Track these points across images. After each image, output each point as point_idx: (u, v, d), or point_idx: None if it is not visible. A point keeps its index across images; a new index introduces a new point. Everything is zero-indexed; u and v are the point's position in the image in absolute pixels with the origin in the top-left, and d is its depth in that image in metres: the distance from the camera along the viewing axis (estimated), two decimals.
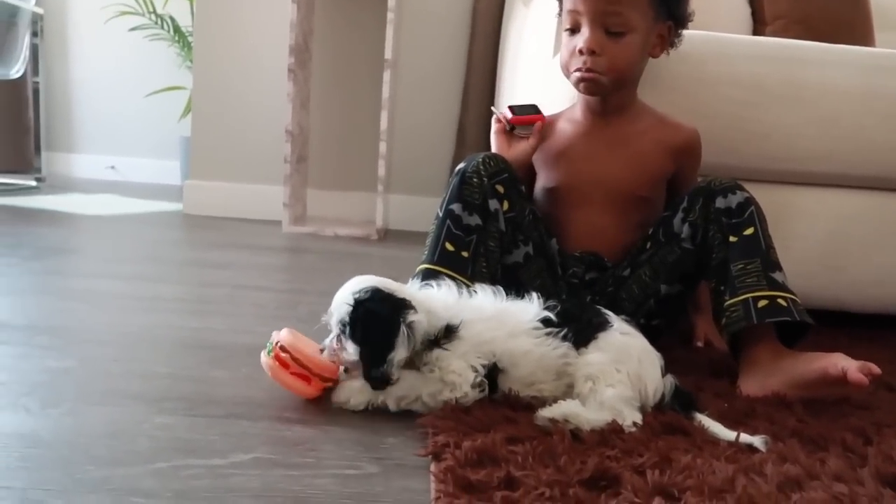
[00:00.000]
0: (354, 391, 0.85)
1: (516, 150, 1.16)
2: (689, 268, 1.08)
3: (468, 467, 0.67)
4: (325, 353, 0.86)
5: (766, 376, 0.96)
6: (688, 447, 0.76)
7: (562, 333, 0.86)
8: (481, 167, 1.07)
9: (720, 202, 1.04)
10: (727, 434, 0.80)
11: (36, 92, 3.42)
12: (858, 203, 1.37)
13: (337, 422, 0.82)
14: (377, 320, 0.83)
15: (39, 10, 3.22)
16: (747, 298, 0.99)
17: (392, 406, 0.84)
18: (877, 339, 1.34)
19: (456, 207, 1.06)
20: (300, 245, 2.09)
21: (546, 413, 0.79)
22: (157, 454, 0.70)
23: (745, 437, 0.79)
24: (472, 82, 2.47)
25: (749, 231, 1.02)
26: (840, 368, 0.89)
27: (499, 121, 1.18)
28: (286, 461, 0.71)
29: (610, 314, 0.90)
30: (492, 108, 1.19)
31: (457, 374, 0.83)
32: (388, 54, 2.25)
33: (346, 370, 0.87)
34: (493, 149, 1.18)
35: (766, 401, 0.92)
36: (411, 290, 0.89)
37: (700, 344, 1.22)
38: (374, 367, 0.82)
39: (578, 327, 0.87)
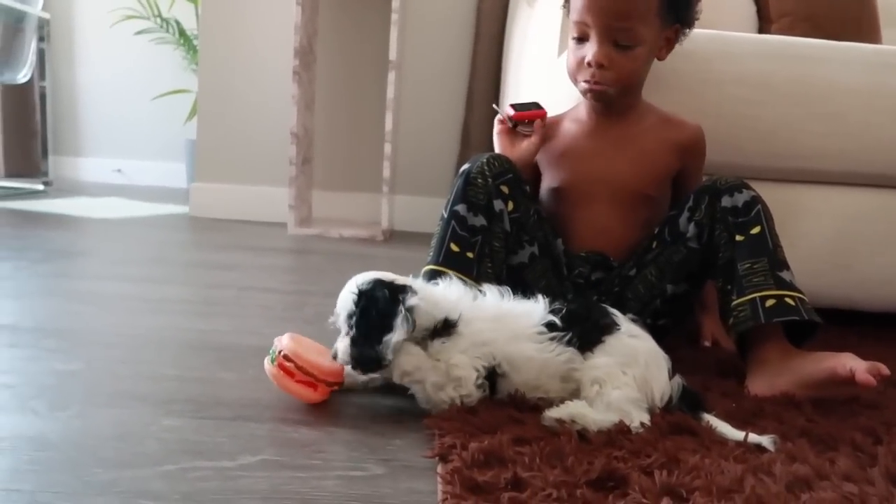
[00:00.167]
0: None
1: (520, 150, 1.16)
2: (696, 267, 1.08)
3: (475, 468, 0.67)
4: (340, 356, 0.86)
5: (774, 376, 0.96)
6: (696, 447, 0.75)
7: (567, 338, 0.85)
8: (486, 168, 1.07)
9: (726, 201, 1.04)
10: (735, 434, 0.79)
11: (43, 96, 3.43)
12: (866, 201, 1.36)
13: (343, 423, 0.82)
14: (376, 303, 0.83)
15: (46, 15, 3.23)
16: (755, 298, 0.98)
17: (396, 377, 0.84)
18: (885, 338, 1.33)
19: (461, 208, 1.06)
20: (306, 246, 2.09)
21: (553, 414, 0.79)
22: (166, 456, 0.70)
23: (753, 437, 0.78)
24: (477, 83, 2.47)
25: (756, 230, 1.02)
26: (848, 369, 0.88)
27: (502, 121, 1.18)
28: (293, 463, 0.71)
29: (617, 314, 0.89)
30: (493, 106, 1.19)
31: (462, 369, 0.83)
32: (392, 56, 2.25)
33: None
34: (497, 149, 1.18)
35: (775, 400, 0.92)
36: (414, 281, 0.88)
37: (707, 344, 1.22)
38: (370, 347, 0.82)
39: (584, 330, 0.86)
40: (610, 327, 0.87)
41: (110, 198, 3.03)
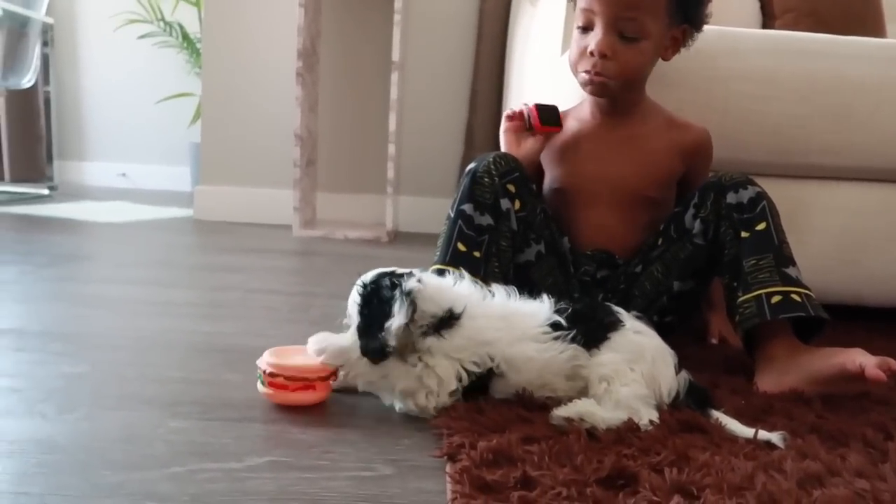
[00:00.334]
0: (335, 348, 0.84)
1: (525, 149, 1.15)
2: (702, 264, 1.07)
3: (484, 468, 0.67)
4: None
5: (782, 373, 0.95)
6: (705, 445, 0.75)
7: (571, 336, 0.85)
8: (492, 167, 1.07)
9: (731, 197, 1.03)
10: (745, 431, 0.79)
11: (47, 101, 3.45)
12: (873, 196, 1.35)
13: (351, 424, 0.82)
14: (379, 292, 0.83)
15: (49, 20, 3.25)
16: (760, 295, 0.98)
17: (361, 387, 0.85)
18: (894, 333, 1.32)
19: (467, 208, 1.06)
20: (311, 248, 2.09)
21: (561, 412, 0.78)
22: (173, 458, 0.70)
23: (763, 434, 0.78)
24: (480, 83, 2.47)
25: (761, 226, 1.01)
26: (858, 364, 0.88)
27: (510, 118, 1.17)
28: (301, 464, 0.71)
29: (622, 312, 0.89)
30: (523, 105, 1.16)
31: (439, 378, 0.82)
32: (395, 56, 2.25)
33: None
34: (503, 148, 1.17)
35: (784, 397, 0.91)
36: (421, 272, 0.88)
37: (714, 341, 1.21)
38: (372, 337, 0.81)
39: (589, 328, 0.86)
40: (615, 324, 0.87)
41: (115, 202, 3.04)
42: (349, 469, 0.70)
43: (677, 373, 0.86)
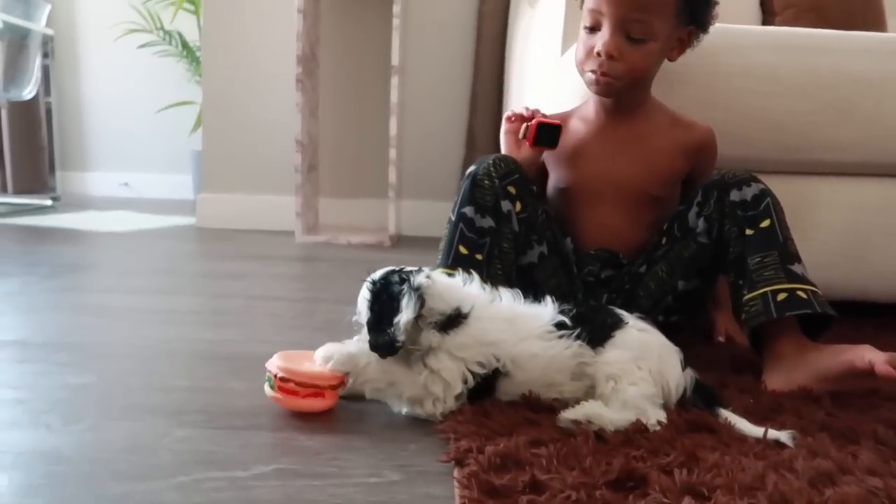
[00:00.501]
0: (342, 355, 0.84)
1: (526, 151, 1.15)
2: (706, 263, 1.07)
3: (492, 472, 0.66)
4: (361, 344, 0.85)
5: (791, 370, 0.95)
6: (715, 445, 0.74)
7: (575, 334, 0.85)
8: (492, 169, 1.07)
9: (735, 195, 1.02)
10: (754, 430, 0.78)
11: (49, 112, 3.46)
12: (878, 191, 1.35)
13: (357, 430, 0.81)
14: (388, 288, 0.83)
15: (50, 31, 3.26)
16: (766, 292, 0.97)
17: (368, 394, 0.84)
18: None
19: (468, 210, 1.05)
20: (314, 254, 2.09)
21: (569, 415, 0.78)
22: (179, 468, 0.70)
23: (772, 433, 0.77)
24: (480, 85, 2.47)
25: (765, 223, 1.00)
26: (867, 361, 0.87)
27: (509, 120, 1.17)
28: (308, 471, 0.70)
29: (624, 313, 0.89)
30: (524, 109, 1.15)
31: (445, 383, 0.82)
32: (395, 60, 2.25)
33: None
34: (503, 150, 1.17)
35: (793, 395, 0.91)
36: (430, 271, 0.88)
37: (721, 339, 1.21)
38: (381, 333, 0.81)
39: (594, 327, 0.86)
40: (618, 323, 0.86)
41: (118, 211, 3.04)
42: (356, 476, 0.70)
43: (683, 369, 0.85)
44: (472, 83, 2.50)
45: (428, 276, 0.84)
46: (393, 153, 2.28)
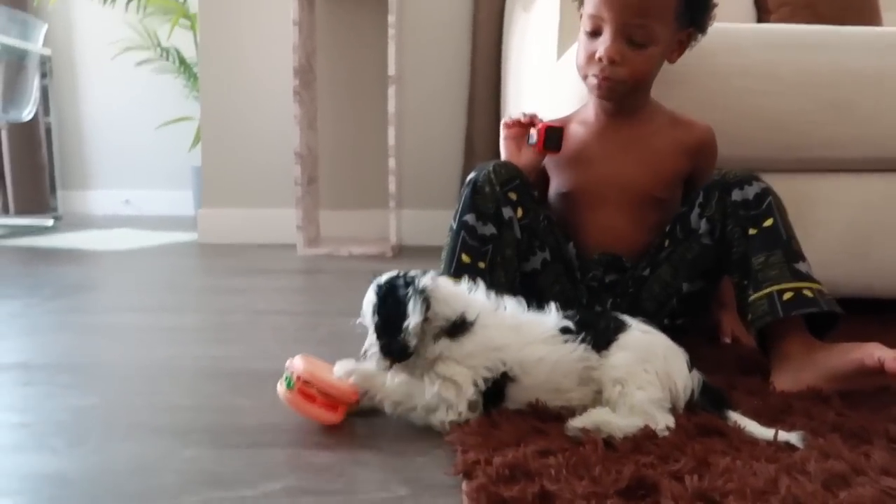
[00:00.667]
0: (363, 371, 0.84)
1: (526, 156, 1.15)
2: (710, 263, 1.06)
3: (500, 483, 0.65)
4: (369, 357, 0.85)
5: (799, 370, 0.94)
6: (725, 449, 0.73)
7: (580, 338, 0.84)
8: (492, 175, 1.06)
9: (736, 195, 1.02)
10: (764, 433, 0.77)
11: (48, 132, 3.47)
12: (880, 187, 1.34)
13: (364, 444, 0.80)
14: (395, 291, 0.83)
15: (47, 52, 3.27)
16: (772, 292, 0.96)
17: (388, 409, 0.84)
18: None
19: (470, 218, 1.05)
20: (316, 266, 2.09)
21: (577, 423, 0.77)
22: (185, 488, 0.69)
23: (782, 435, 0.76)
24: (477, 91, 2.47)
25: (768, 222, 1.00)
26: (876, 358, 0.86)
27: (507, 126, 1.17)
28: (316, 488, 0.69)
29: (626, 317, 0.88)
30: (522, 115, 1.16)
31: (456, 385, 0.81)
32: (391, 70, 2.25)
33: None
34: (504, 155, 1.17)
35: (802, 396, 0.90)
36: (435, 276, 0.88)
37: (727, 340, 1.20)
38: (392, 338, 0.81)
39: (597, 331, 0.85)
40: (621, 326, 0.86)
41: (120, 229, 3.04)
42: (365, 491, 0.69)
43: (689, 370, 0.85)
44: (470, 90, 2.50)
45: (433, 280, 0.84)
46: (392, 163, 2.28)
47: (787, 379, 0.94)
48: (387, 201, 2.36)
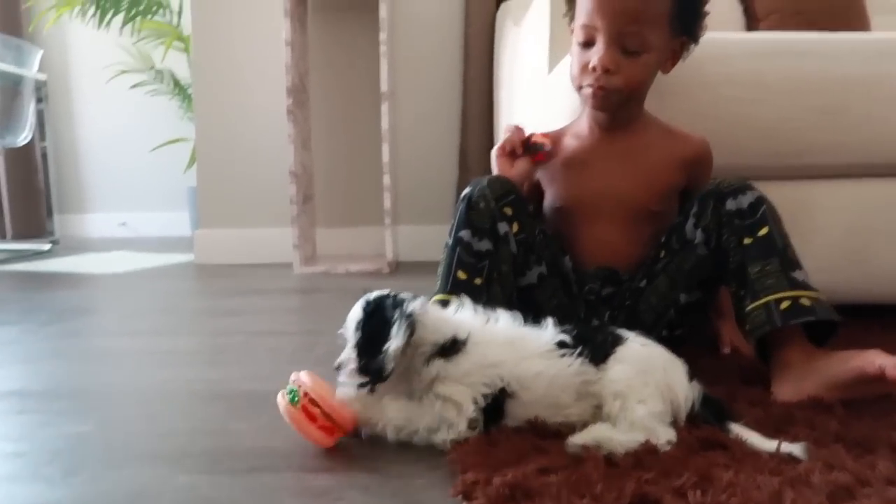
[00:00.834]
0: (368, 399, 0.84)
1: (519, 169, 1.14)
2: (707, 273, 1.05)
3: None
4: (342, 371, 0.84)
5: (799, 380, 0.93)
6: (728, 462, 0.72)
7: (577, 352, 0.84)
8: (487, 190, 1.06)
9: (731, 204, 1.02)
10: (766, 444, 0.77)
11: (44, 156, 3.48)
12: (875, 192, 1.34)
13: (361, 467, 0.79)
14: (381, 311, 0.83)
15: (42, 77, 3.28)
16: (769, 302, 0.96)
17: (391, 435, 0.83)
18: None
19: (465, 234, 1.04)
20: (313, 285, 2.08)
21: (577, 440, 0.76)
22: None
23: (785, 447, 0.75)
24: (470, 106, 2.48)
25: (763, 231, 0.99)
26: (877, 366, 0.86)
27: (503, 150, 1.16)
28: None
29: (623, 331, 0.88)
30: (515, 129, 1.16)
31: (456, 404, 0.81)
32: (384, 87, 2.26)
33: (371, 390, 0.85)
34: (496, 170, 1.16)
35: (804, 405, 0.89)
36: (424, 301, 0.87)
37: (726, 350, 1.19)
38: (371, 358, 0.80)
39: (595, 345, 0.85)
40: (618, 339, 0.85)
41: (117, 252, 3.04)
42: None
43: (689, 381, 0.84)
44: (462, 105, 2.51)
45: (422, 306, 0.83)
46: (387, 179, 2.28)
47: (789, 388, 0.93)
48: (382, 218, 2.35)
